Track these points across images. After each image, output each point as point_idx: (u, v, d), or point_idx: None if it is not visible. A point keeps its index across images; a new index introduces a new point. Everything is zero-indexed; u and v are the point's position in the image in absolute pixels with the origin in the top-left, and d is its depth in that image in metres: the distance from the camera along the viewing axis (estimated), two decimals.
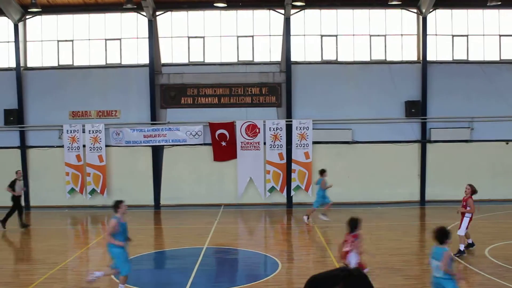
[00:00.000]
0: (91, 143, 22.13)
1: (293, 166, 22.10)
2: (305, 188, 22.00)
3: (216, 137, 22.06)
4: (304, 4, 21.23)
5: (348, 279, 2.16)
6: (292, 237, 17.79)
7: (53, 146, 22.41)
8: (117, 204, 10.35)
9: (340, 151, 22.32)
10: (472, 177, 22.17)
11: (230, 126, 22.04)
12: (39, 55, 22.91)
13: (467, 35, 22.82)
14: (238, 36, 22.60)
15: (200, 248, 14.73)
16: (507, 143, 22.65)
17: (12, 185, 17.93)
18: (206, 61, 22.70)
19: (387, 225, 17.98)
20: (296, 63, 22.34)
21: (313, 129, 21.98)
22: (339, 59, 22.60)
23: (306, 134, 21.95)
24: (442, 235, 8.35)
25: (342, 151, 22.33)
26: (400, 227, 17.76)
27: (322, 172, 18.25)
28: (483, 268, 12.46)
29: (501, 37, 22.85)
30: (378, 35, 22.62)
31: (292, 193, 22.12)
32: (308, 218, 18.18)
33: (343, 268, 2.27)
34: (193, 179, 22.44)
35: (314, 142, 22.03)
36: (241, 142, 22.01)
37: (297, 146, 22.03)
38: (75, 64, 22.83)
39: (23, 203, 18.94)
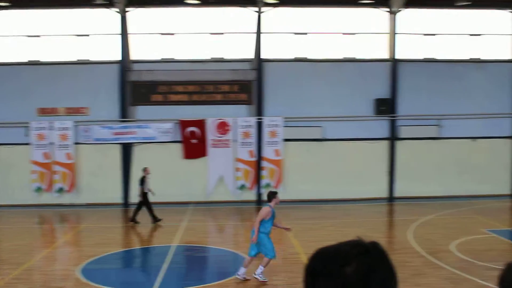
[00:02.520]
0: (59, 141, 21.78)
1: (263, 163, 22.12)
2: (275, 185, 22.03)
3: (187, 134, 21.95)
4: (276, 1, 21.22)
5: (363, 258, 1.70)
6: None
7: (19, 144, 21.95)
8: (274, 194, 11.38)
9: (310, 148, 22.42)
10: (439, 173, 22.69)
11: (201, 124, 21.94)
12: (6, 51, 22.43)
13: (436, 34, 23.13)
14: (209, 33, 22.47)
15: (169, 247, 14.64)
16: (473, 140, 23.07)
17: (142, 183, 18.30)
18: (177, 58, 22.53)
19: (354, 222, 18.12)
20: (268, 60, 22.34)
21: (283, 126, 22.02)
22: (310, 57, 22.68)
23: (276, 131, 21.99)
24: None
25: (312, 148, 22.44)
26: (367, 223, 17.92)
27: None
28: (449, 262, 12.67)
29: (470, 36, 23.22)
30: (349, 33, 22.76)
31: (262, 190, 22.13)
32: None
33: (356, 242, 1.78)
34: (163, 177, 22.22)
35: (285, 140, 22.08)
36: (212, 140, 21.94)
37: (267, 144, 22.06)
38: (44, 60, 22.42)
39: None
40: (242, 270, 11.34)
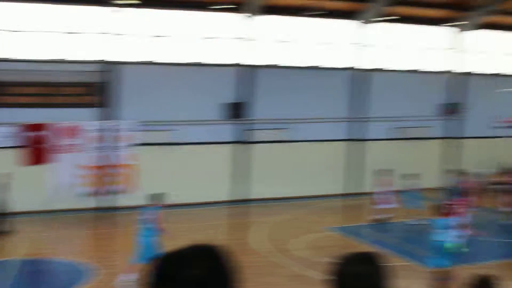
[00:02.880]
0: None
1: (116, 169, 21.50)
2: (129, 191, 21.47)
3: (28, 139, 20.38)
4: (131, 2, 20.78)
5: (204, 261, 1.77)
6: (111, 242, 17.27)
7: None
8: (157, 198, 11.84)
9: (164, 152, 22.27)
10: (291, 175, 23.72)
11: (45, 128, 20.56)
12: None
13: (290, 41, 24.06)
14: (61, 33, 21.19)
15: (6, 261, 13.62)
16: (318, 143, 24.46)
17: None
18: (24, 57, 20.87)
19: (204, 225, 18.30)
20: (124, 63, 21.66)
21: (138, 130, 21.55)
22: (166, 61, 22.51)
23: (130, 136, 21.46)
24: None
25: (167, 153, 22.32)
26: (216, 227, 18.17)
27: None
28: (292, 260, 13.29)
29: (317, 44, 24.50)
30: (203, 38, 22.90)
31: (116, 196, 21.47)
32: None
33: (197, 246, 1.85)
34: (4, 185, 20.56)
35: (139, 144, 21.60)
36: (59, 145, 20.78)
37: (120, 148, 21.46)
38: None
39: None
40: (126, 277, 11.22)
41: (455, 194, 14.81)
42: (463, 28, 26.35)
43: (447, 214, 13.40)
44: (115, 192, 21.45)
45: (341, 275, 2.05)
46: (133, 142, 21.37)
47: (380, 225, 18.12)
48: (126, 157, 21.45)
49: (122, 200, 21.47)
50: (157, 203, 11.69)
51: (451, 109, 26.62)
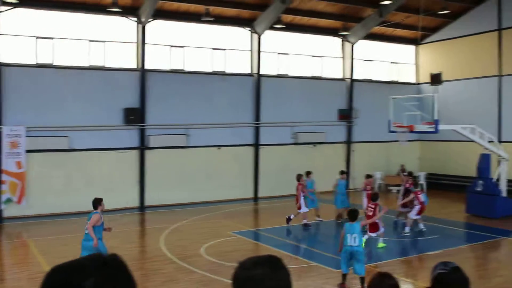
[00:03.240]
0: None
1: (3, 177, 20.10)
2: (18, 200, 20.21)
3: None
4: (16, 1, 19.59)
5: (101, 271, 1.69)
6: (2, 254, 16.12)
7: None
8: (99, 201, 12.16)
9: (57, 159, 21.16)
10: (188, 181, 23.56)
11: None
12: None
13: (183, 46, 23.97)
14: None
15: None
16: (219, 148, 24.53)
17: None
18: None
19: (105, 234, 17.61)
20: (7, 65, 20.39)
21: (26, 136, 20.33)
22: (55, 63, 21.41)
23: (18, 142, 20.18)
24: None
25: (60, 159, 21.21)
26: (120, 234, 17.60)
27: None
28: (199, 266, 13.14)
29: (214, 50, 24.63)
30: (98, 41, 22.17)
31: (3, 206, 20.11)
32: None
33: (94, 255, 1.78)
34: None
35: (28, 151, 20.39)
36: None
37: (7, 156, 20.11)
38: None
39: None
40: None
41: (372, 198, 15.26)
42: (354, 38, 27.56)
43: (366, 217, 13.97)
44: (3, 202, 20.10)
45: (237, 279, 2.08)
46: (23, 148, 20.14)
47: (293, 227, 18.36)
48: (16, 164, 20.16)
49: (11, 210, 20.16)
50: (101, 207, 12.02)
51: (346, 115, 27.79)
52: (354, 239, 11.22)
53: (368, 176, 19.50)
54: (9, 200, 20.16)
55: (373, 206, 14.88)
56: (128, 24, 22.61)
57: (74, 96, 21.43)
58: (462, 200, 21.63)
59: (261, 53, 25.30)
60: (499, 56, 26.70)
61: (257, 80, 25.27)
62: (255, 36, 25.15)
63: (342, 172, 20.27)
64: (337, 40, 28.19)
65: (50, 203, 20.83)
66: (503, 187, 20.76)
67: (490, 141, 20.89)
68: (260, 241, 16.87)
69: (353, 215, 11.55)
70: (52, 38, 21.29)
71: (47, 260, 13.80)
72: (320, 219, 19.27)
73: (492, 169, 20.74)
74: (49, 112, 20.91)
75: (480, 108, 27.02)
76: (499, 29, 26.70)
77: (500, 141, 24.04)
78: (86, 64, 21.95)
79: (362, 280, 11.21)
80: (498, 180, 20.79)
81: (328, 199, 20.67)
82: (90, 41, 21.98)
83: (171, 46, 23.71)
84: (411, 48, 31.24)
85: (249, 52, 25.50)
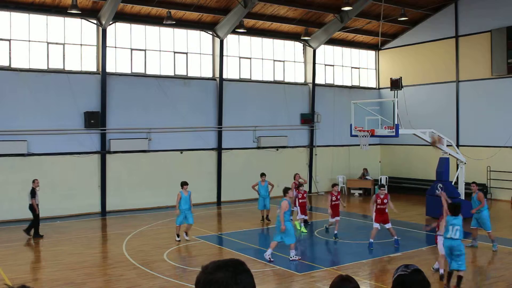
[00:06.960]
0: None
1: None
2: None
3: None
4: None
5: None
6: None
7: None
8: (287, 190, 14.31)
9: (14, 164, 20.63)
10: (150, 185, 23.33)
11: None
12: None
13: (145, 50, 23.77)
14: None
15: None
16: (181, 153, 24.37)
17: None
18: None
19: (67, 239, 17.29)
20: None
21: None
22: (12, 65, 20.90)
23: None
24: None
25: (17, 164, 20.69)
26: (81, 240, 17.29)
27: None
28: (162, 271, 13.00)
29: (176, 53, 24.49)
30: (57, 43, 21.75)
31: None
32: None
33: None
34: None
35: None
36: None
37: None
38: None
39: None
40: (269, 251, 13.79)
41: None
42: (315, 42, 27.86)
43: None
44: None
45: (200, 283, 2.09)
46: None
47: (255, 231, 18.41)
48: None
49: None
50: (288, 194, 14.26)
51: (308, 119, 28.06)
52: (456, 231, 10.98)
53: (334, 185, 18.78)
54: None
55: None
56: (88, 27, 22.30)
57: (33, 99, 20.96)
58: (422, 203, 22.04)
59: (223, 57, 25.29)
60: (457, 62, 27.40)
61: (220, 84, 25.23)
62: (217, 40, 25.13)
63: (262, 175, 20.40)
64: (298, 45, 28.46)
65: (7, 209, 20.30)
66: (461, 190, 21.24)
67: (448, 145, 21.36)
68: (223, 245, 16.81)
69: (456, 209, 11.27)
70: (9, 40, 20.79)
71: (4, 269, 13.40)
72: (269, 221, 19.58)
73: (450, 173, 21.21)
74: (6, 115, 20.40)
75: (439, 112, 27.66)
76: (456, 36, 27.41)
77: (458, 145, 24.63)
78: (45, 67, 21.51)
79: (459, 279, 10.94)
80: (456, 183, 21.27)
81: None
82: (49, 43, 21.57)
83: (133, 50, 23.50)
84: (371, 53, 31.79)
85: (211, 56, 25.48)
